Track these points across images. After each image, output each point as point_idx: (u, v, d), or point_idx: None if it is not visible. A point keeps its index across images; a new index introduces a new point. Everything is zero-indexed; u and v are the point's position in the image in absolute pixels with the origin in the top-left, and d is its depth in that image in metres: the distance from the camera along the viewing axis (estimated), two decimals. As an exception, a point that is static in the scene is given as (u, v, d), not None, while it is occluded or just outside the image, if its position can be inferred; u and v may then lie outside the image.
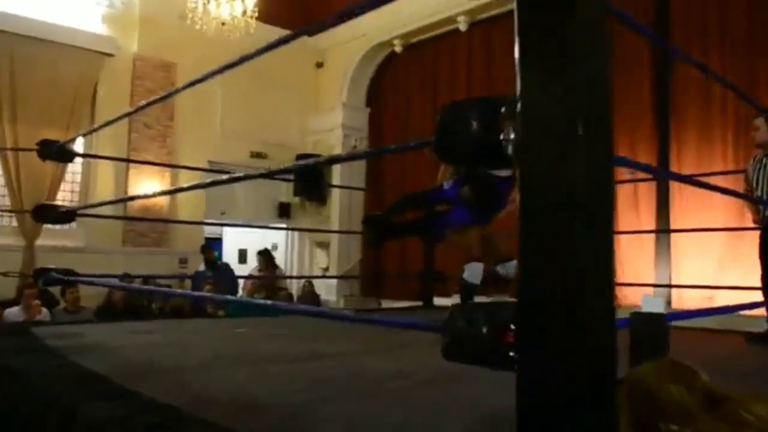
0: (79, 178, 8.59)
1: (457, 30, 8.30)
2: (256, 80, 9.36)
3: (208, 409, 1.78)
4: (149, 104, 3.23)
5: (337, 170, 9.35)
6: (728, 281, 5.48)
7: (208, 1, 7.40)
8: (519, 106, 0.97)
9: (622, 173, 6.52)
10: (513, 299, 1.07)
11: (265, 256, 7.96)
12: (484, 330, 1.14)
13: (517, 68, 0.96)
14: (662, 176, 5.85)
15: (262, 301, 5.37)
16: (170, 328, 4.16)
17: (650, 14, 6.40)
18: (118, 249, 8.45)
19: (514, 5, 0.96)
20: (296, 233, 10.10)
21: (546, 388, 0.92)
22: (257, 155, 9.40)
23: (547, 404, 0.93)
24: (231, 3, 7.48)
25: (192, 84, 2.50)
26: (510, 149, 1.03)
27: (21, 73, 7.73)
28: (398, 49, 9.00)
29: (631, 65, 6.50)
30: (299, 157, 9.57)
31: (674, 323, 1.36)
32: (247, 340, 3.41)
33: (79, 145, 7.18)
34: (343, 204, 9.36)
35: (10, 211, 7.87)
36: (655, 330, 1.21)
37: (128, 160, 8.17)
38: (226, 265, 8.80)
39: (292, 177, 9.56)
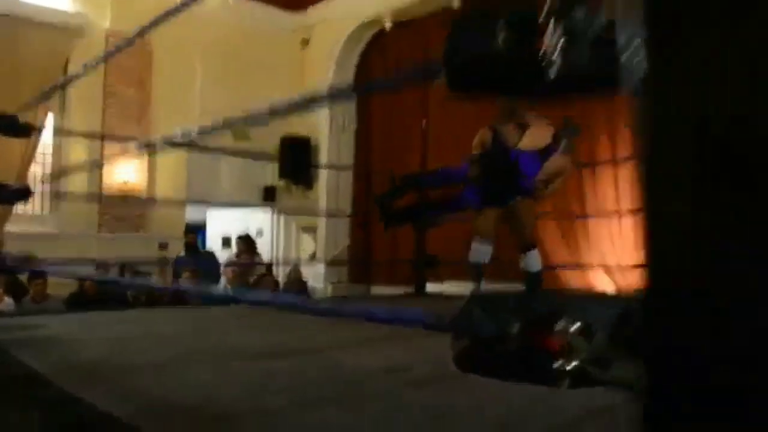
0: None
1: (449, 7, 7.94)
2: (239, 59, 8.98)
3: (162, 420, 1.47)
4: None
5: (324, 151, 9.01)
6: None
7: (186, -27, 6.97)
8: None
9: (618, 146, 6.29)
10: (546, 289, 0.76)
11: (246, 241, 7.56)
12: (516, 331, 0.84)
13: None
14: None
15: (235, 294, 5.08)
16: (142, 319, 3.84)
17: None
18: (94, 234, 8.08)
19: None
20: (282, 218, 9.76)
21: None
22: (239, 137, 9.01)
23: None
24: (210, -25, 7.08)
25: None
26: (554, 69, 0.70)
27: (-16, 52, 7.31)
28: (388, 26, 8.62)
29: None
30: (283, 139, 9.22)
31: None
32: (222, 332, 3.09)
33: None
34: (330, 187, 9.02)
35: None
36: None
37: (94, 135, 7.72)
38: (210, 253, 8.47)
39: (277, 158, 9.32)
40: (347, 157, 9.05)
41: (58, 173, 7.95)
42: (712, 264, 0.51)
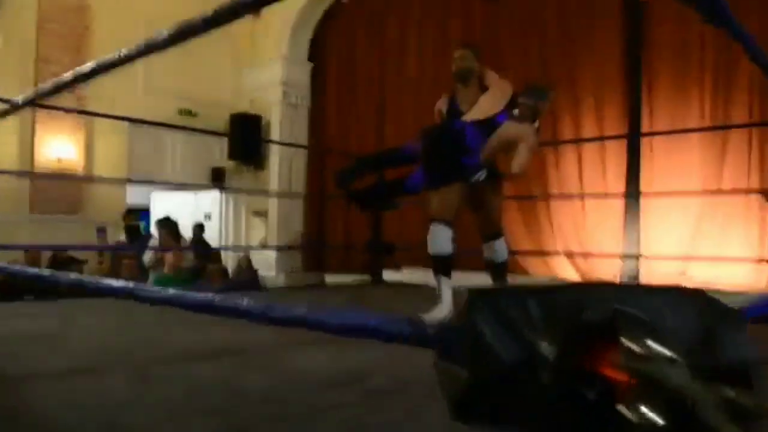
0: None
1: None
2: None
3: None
4: None
5: (275, 130, 8.54)
6: (702, 252, 5.07)
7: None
8: None
9: (582, 126, 6.06)
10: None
11: (166, 225, 6.55)
12: (552, 353, 0.52)
13: None
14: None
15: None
16: (58, 311, 3.37)
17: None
18: (25, 217, 7.44)
19: None
20: (231, 202, 9.24)
21: None
22: (186, 113, 8.46)
23: None
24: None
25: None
26: None
27: None
28: (344, -1, 8.18)
29: (600, 12, 5.96)
30: (233, 116, 8.70)
31: None
32: (144, 328, 2.67)
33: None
34: (282, 168, 8.56)
35: None
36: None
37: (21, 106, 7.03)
38: (152, 236, 7.91)
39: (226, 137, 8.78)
40: (301, 137, 8.59)
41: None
42: None
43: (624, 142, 5.56)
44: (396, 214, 5.88)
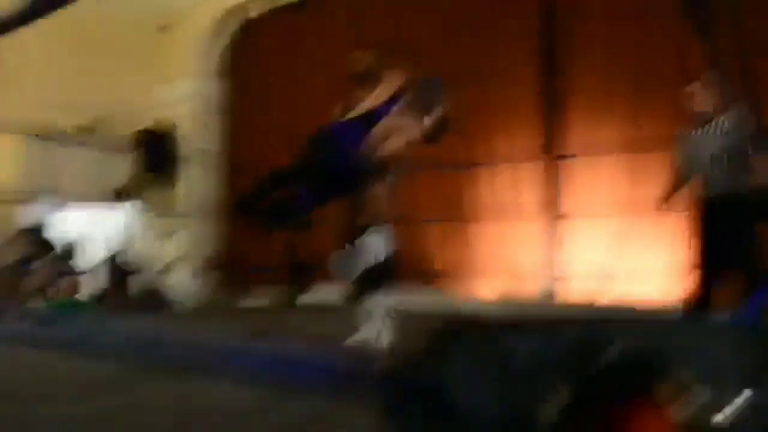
0: None
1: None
2: (86, 41, 7.93)
3: None
4: None
5: (186, 146, 8.21)
6: (622, 266, 5.13)
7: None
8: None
9: (495, 151, 6.08)
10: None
11: (29, 235, 6.21)
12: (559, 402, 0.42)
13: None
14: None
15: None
16: None
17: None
18: None
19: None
20: (138, 221, 8.76)
21: None
22: (85, 129, 7.97)
23: None
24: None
25: None
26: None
27: None
28: (254, 14, 8.00)
29: (514, 17, 6.01)
30: (140, 132, 8.28)
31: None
32: (27, 358, 2.40)
33: None
34: (193, 186, 8.21)
35: None
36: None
37: None
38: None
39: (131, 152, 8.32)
40: (211, 153, 8.30)
41: None
42: None
43: (541, 163, 5.65)
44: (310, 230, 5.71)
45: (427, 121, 2.99)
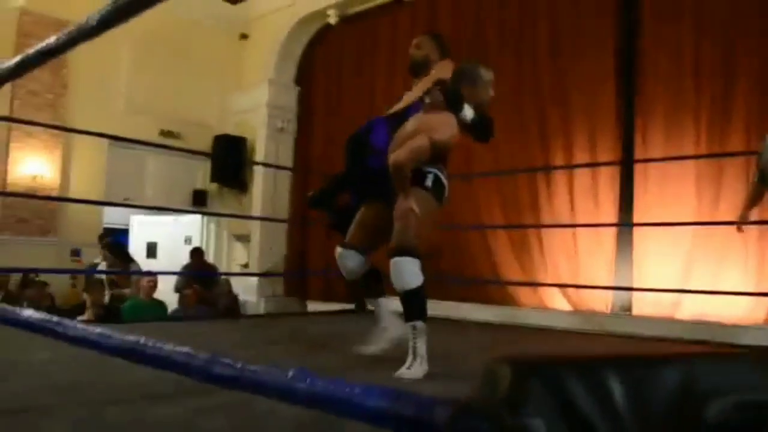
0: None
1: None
2: (171, 50, 8.23)
3: None
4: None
5: (260, 153, 8.36)
6: (696, 284, 4.88)
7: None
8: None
9: (572, 156, 5.88)
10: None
11: (113, 248, 6.56)
12: None
13: None
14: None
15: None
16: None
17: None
18: (-7, 237, 7.14)
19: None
20: (212, 225, 9.00)
21: None
22: (168, 134, 8.24)
23: None
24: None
25: None
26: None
27: None
28: (333, 20, 8.07)
29: (593, 44, 5.86)
30: (217, 138, 8.51)
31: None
32: (100, 360, 2.42)
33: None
34: (266, 191, 8.34)
35: None
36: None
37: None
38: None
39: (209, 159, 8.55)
40: (286, 160, 8.41)
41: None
42: None
43: (617, 170, 5.43)
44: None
45: (469, 113, 2.48)
